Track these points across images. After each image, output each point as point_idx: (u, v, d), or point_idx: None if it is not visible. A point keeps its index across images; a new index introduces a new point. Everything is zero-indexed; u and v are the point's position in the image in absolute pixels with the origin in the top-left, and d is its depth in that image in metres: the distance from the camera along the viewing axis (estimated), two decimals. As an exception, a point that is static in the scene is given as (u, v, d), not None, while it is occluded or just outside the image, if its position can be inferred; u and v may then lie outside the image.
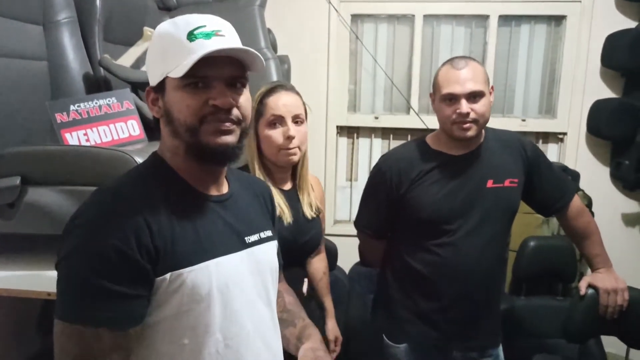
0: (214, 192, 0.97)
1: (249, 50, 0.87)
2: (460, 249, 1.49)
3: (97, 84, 1.70)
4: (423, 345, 1.55)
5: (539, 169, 1.58)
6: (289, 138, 1.37)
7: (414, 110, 2.90)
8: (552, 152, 2.89)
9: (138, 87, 1.64)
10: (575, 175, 2.57)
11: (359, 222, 1.69)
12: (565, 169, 2.53)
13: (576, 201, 1.62)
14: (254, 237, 0.99)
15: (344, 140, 3.07)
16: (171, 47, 0.88)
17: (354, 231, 1.72)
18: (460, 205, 1.49)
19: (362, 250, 1.80)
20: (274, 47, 2.49)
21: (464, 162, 1.51)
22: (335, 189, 3.04)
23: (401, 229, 1.60)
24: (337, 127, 3.00)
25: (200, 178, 0.95)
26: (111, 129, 1.42)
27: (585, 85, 2.75)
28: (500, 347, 1.63)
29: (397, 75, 2.97)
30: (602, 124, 2.66)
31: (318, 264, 1.65)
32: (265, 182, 1.17)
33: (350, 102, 3.01)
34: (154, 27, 0.97)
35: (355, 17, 2.93)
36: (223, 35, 0.89)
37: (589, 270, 1.67)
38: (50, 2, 1.60)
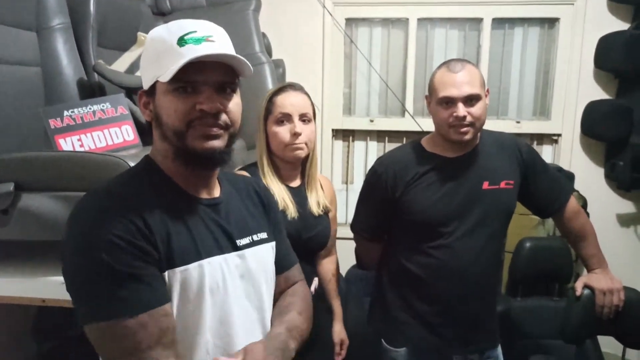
0: (204, 195, 0.98)
1: (235, 56, 0.88)
2: (457, 251, 1.49)
3: (91, 90, 1.70)
4: (422, 349, 1.55)
5: (535, 170, 1.58)
6: (296, 135, 1.41)
7: (409, 113, 2.91)
8: (546, 153, 2.90)
9: (132, 92, 1.64)
10: (570, 176, 2.58)
11: (355, 225, 1.69)
12: (560, 170, 2.53)
13: (572, 202, 1.63)
14: (245, 240, 1.00)
15: (339, 144, 3.07)
16: (162, 51, 0.89)
17: (350, 234, 1.72)
18: (456, 208, 1.49)
19: (358, 253, 1.80)
20: (269, 51, 2.49)
21: (459, 165, 1.51)
22: (331, 193, 3.04)
23: (397, 232, 1.60)
24: (333, 130, 3.00)
25: (191, 181, 0.96)
26: (105, 135, 1.41)
27: (579, 86, 2.77)
28: (499, 348, 1.63)
29: (392, 78, 2.98)
30: (596, 125, 2.68)
31: (328, 266, 1.68)
32: (260, 180, 1.17)
33: (345, 106, 3.02)
34: (148, 33, 0.98)
35: (350, 21, 2.94)
36: (213, 41, 0.89)
37: (584, 271, 1.68)
38: (43, 8, 1.61)
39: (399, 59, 2.96)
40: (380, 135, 3.03)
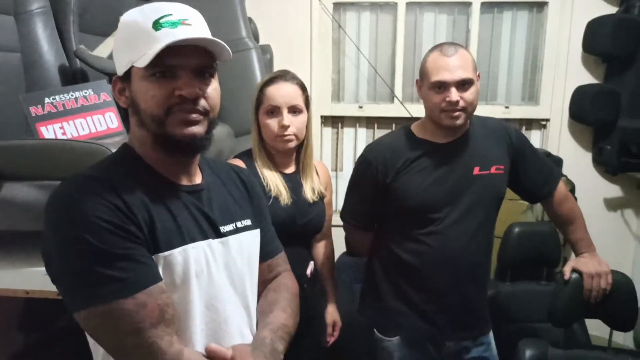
0: (185, 182, 0.96)
1: (214, 40, 0.86)
2: (448, 237, 1.48)
3: (73, 76, 1.66)
4: (415, 337, 1.55)
5: (524, 155, 1.58)
6: (284, 127, 1.43)
7: (398, 99, 2.89)
8: (535, 138, 2.91)
9: (116, 78, 1.61)
10: (558, 162, 2.60)
11: (345, 213, 1.67)
12: (548, 155, 2.54)
13: (561, 187, 1.63)
14: (229, 227, 0.99)
15: (328, 130, 3.05)
16: (137, 35, 0.86)
17: (340, 221, 1.71)
18: (447, 193, 1.49)
19: (348, 240, 1.79)
20: (256, 37, 2.45)
21: (449, 150, 1.50)
22: (321, 180, 3.03)
23: (388, 219, 1.59)
24: (322, 117, 2.98)
25: (171, 168, 0.94)
26: (88, 122, 1.38)
27: (567, 71, 2.77)
28: (491, 334, 1.64)
29: (381, 64, 2.95)
30: (584, 109, 2.68)
31: (322, 249, 1.71)
32: (246, 169, 1.16)
33: (334, 92, 2.99)
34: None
35: (338, 6, 2.90)
36: (190, 24, 0.87)
37: (572, 255, 1.69)
38: (21, -9, 1.56)
39: (388, 44, 2.94)
40: (369, 122, 3.02)
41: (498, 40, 2.90)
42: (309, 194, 1.52)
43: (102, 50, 1.68)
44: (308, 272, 1.54)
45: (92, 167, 0.91)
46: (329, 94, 2.96)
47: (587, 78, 2.75)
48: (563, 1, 2.72)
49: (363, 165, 1.57)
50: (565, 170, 2.64)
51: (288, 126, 1.43)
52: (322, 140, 3.01)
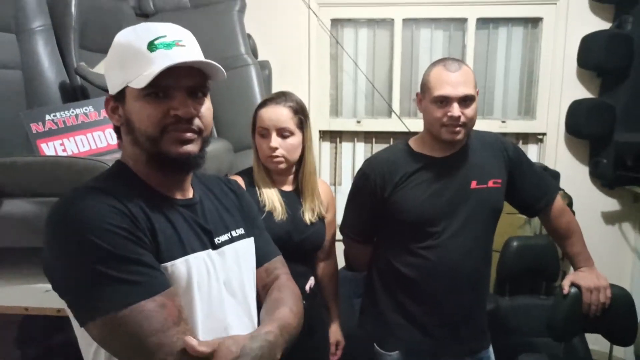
0: (179, 196, 0.97)
1: (210, 62, 0.88)
2: (446, 250, 1.49)
3: (73, 93, 1.67)
4: (415, 351, 1.54)
5: (521, 169, 1.59)
6: (271, 149, 1.47)
7: (395, 113, 2.91)
8: (532, 152, 2.92)
9: (116, 95, 1.62)
10: (555, 175, 2.61)
11: (344, 227, 1.68)
12: (545, 169, 2.56)
13: (558, 201, 1.64)
14: (224, 237, 1.00)
15: (326, 145, 3.06)
16: (131, 56, 0.87)
17: (339, 236, 1.72)
18: (445, 207, 1.49)
19: (347, 254, 1.80)
20: (254, 53, 2.48)
21: (447, 164, 1.51)
22: (319, 194, 3.03)
23: (386, 233, 1.60)
24: (320, 131, 3.00)
25: (164, 184, 0.95)
26: (89, 139, 1.39)
27: (563, 85, 2.80)
28: (491, 349, 1.63)
29: (378, 79, 2.98)
30: (580, 123, 2.71)
31: (326, 269, 1.71)
32: (235, 180, 1.17)
33: (332, 107, 3.01)
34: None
35: (335, 22, 2.93)
36: (184, 45, 0.89)
37: (571, 269, 1.69)
38: (23, 10, 1.58)
39: (385, 59, 2.97)
40: (367, 136, 3.03)
41: (494, 56, 2.93)
42: (307, 215, 1.54)
43: (102, 67, 1.69)
44: (307, 287, 1.54)
45: (90, 181, 0.92)
46: (327, 109, 2.98)
47: (582, 92, 2.78)
48: (557, 17, 2.76)
49: (362, 179, 1.58)
50: (562, 184, 2.65)
51: (276, 148, 1.47)
52: (320, 155, 3.02)
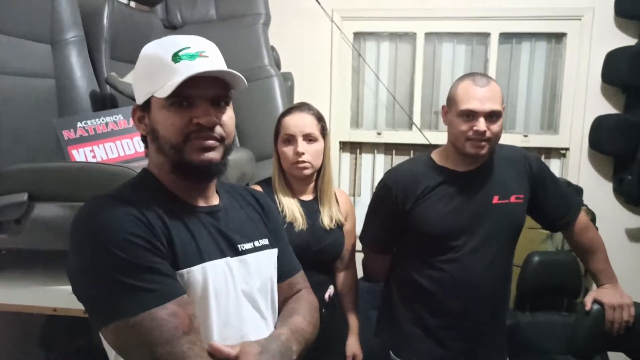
0: (202, 204, 0.99)
1: (231, 71, 0.91)
2: (466, 265, 1.48)
3: (103, 102, 1.72)
4: (431, 361, 1.54)
5: (545, 184, 1.58)
6: (298, 154, 1.49)
7: (416, 126, 2.92)
8: (554, 167, 2.90)
9: (144, 104, 1.66)
10: (578, 191, 2.58)
11: (364, 237, 1.68)
12: (568, 184, 2.53)
13: (582, 216, 1.62)
14: (247, 245, 1.01)
15: (346, 156, 3.08)
16: (157, 67, 0.91)
17: (358, 246, 1.72)
18: (466, 222, 1.49)
19: (366, 265, 1.80)
20: (278, 65, 2.52)
21: (469, 179, 1.51)
22: (338, 205, 3.05)
23: (406, 245, 1.60)
24: (340, 142, 3.02)
25: (188, 192, 0.97)
26: (117, 146, 1.43)
27: (587, 101, 2.77)
28: (507, 363, 1.62)
29: (399, 91, 2.99)
30: (603, 139, 2.67)
31: (345, 279, 1.71)
32: (261, 192, 1.19)
33: (352, 118, 3.03)
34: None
35: (358, 35, 2.97)
36: (207, 56, 0.92)
37: (594, 286, 1.66)
38: (58, 21, 1.63)
39: (407, 72, 2.98)
40: (387, 148, 3.04)
41: (517, 70, 2.92)
42: (326, 221, 1.55)
43: (132, 77, 1.74)
44: (326, 296, 1.55)
45: (112, 189, 0.95)
46: (347, 120, 3.01)
47: (606, 108, 2.75)
48: (582, 32, 2.75)
49: (383, 190, 1.58)
50: (585, 199, 2.61)
51: (303, 153, 1.48)
52: (340, 166, 3.04)
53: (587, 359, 1.66)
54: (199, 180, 0.97)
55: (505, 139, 1.54)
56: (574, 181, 2.72)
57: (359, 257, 1.77)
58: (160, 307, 0.81)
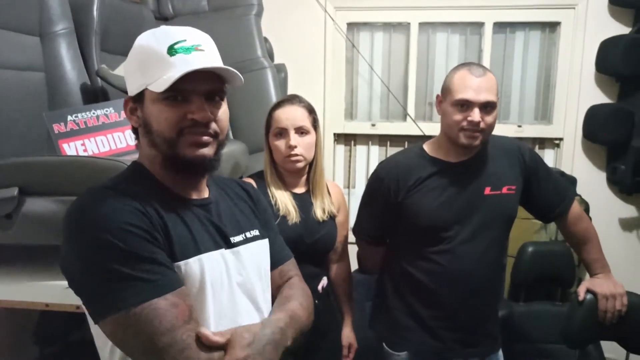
0: (194, 196, 0.99)
1: (228, 68, 0.90)
2: (458, 256, 1.49)
3: (94, 94, 1.70)
4: (423, 353, 1.55)
5: (538, 175, 1.58)
6: (290, 147, 1.48)
7: (410, 117, 2.91)
8: (548, 157, 2.90)
9: (135, 96, 1.65)
10: (572, 181, 2.59)
11: (358, 229, 1.69)
12: (562, 174, 2.53)
13: (575, 206, 1.63)
14: (239, 237, 1.01)
15: (341, 148, 3.07)
16: (151, 59, 0.89)
17: (352, 238, 1.72)
18: (458, 213, 1.49)
19: (360, 256, 1.80)
20: (271, 56, 2.50)
21: (461, 169, 1.51)
22: (333, 197, 3.04)
23: (399, 236, 1.60)
24: (334, 134, 3.01)
25: (180, 184, 0.97)
26: (109, 139, 1.42)
27: (581, 90, 2.77)
28: (500, 352, 1.62)
29: (394, 82, 2.98)
30: (597, 129, 2.68)
31: (339, 271, 1.72)
32: (250, 183, 1.19)
33: (347, 110, 3.02)
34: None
35: (352, 26, 2.95)
36: (203, 50, 0.91)
37: (587, 275, 1.67)
38: (47, 13, 1.61)
39: (401, 63, 2.97)
40: (382, 140, 3.04)
41: (510, 60, 2.92)
42: (318, 213, 1.55)
43: (123, 69, 1.72)
44: (320, 287, 1.56)
45: (106, 181, 0.94)
46: (342, 111, 2.99)
47: (600, 97, 2.75)
48: (576, 21, 2.74)
49: (375, 182, 1.58)
50: (579, 189, 2.62)
51: (295, 146, 1.48)
52: (334, 158, 3.04)
53: (580, 348, 1.68)
54: (191, 175, 0.97)
55: (499, 129, 1.54)
56: (567, 171, 2.73)
57: (353, 249, 1.78)
58: (162, 298, 0.81)
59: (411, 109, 2.93)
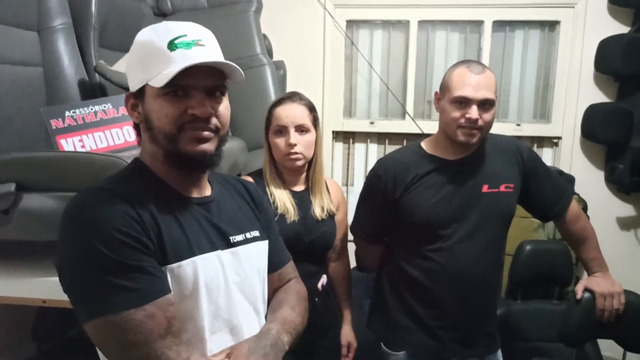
0: (195, 194, 0.98)
1: (229, 63, 0.89)
2: (455, 254, 1.48)
3: (92, 90, 1.70)
4: (421, 352, 1.55)
5: (536, 173, 1.58)
6: (290, 145, 1.47)
7: (409, 115, 2.91)
8: (547, 156, 2.90)
9: (134, 93, 1.64)
10: (570, 180, 2.59)
11: (355, 226, 1.68)
12: (560, 173, 2.54)
13: (574, 205, 1.63)
14: (239, 237, 1.01)
15: (339, 146, 3.07)
16: (152, 55, 0.89)
17: (351, 236, 1.72)
18: (455, 210, 1.49)
19: (358, 254, 1.80)
20: (270, 53, 2.49)
21: (459, 167, 1.51)
22: (332, 194, 3.04)
23: (397, 234, 1.60)
24: (333, 132, 3.00)
25: (181, 182, 0.96)
26: (107, 135, 1.41)
27: (579, 89, 2.77)
28: (499, 352, 1.62)
29: (393, 80, 2.98)
30: (596, 128, 2.68)
31: (338, 269, 1.72)
32: (253, 183, 1.19)
33: (345, 108, 3.02)
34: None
35: (351, 23, 2.94)
36: (203, 45, 0.90)
37: (585, 274, 1.68)
38: (45, 8, 1.60)
39: (400, 61, 2.97)
40: (380, 138, 3.03)
41: (510, 59, 2.91)
42: (317, 212, 1.55)
43: (121, 65, 1.71)
44: (319, 285, 1.55)
45: (104, 180, 0.93)
46: (340, 109, 2.99)
47: (599, 97, 2.75)
48: (575, 20, 2.74)
49: (373, 179, 1.58)
50: (577, 188, 2.62)
51: (295, 144, 1.47)
52: (333, 155, 3.03)
53: (578, 347, 1.68)
54: (192, 171, 0.96)
55: (498, 128, 1.54)
56: (566, 170, 2.73)
57: (352, 247, 1.77)
58: (139, 309, 0.81)
59: (410, 107, 2.93)
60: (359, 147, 3.07)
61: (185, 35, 0.89)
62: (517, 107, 2.95)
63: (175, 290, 0.88)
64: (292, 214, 1.48)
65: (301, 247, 1.46)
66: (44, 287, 1.24)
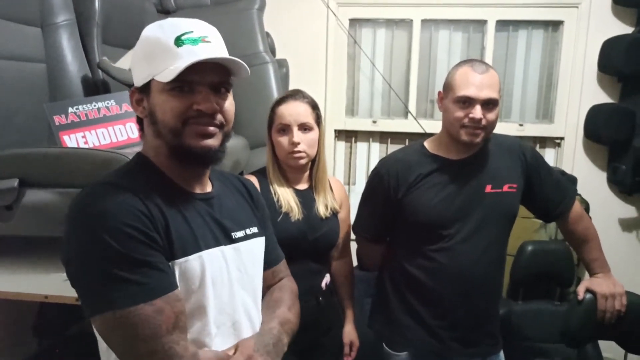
0: (198, 190, 0.99)
1: (235, 59, 0.90)
2: (458, 254, 1.48)
3: (95, 87, 1.70)
4: (424, 353, 1.54)
5: (539, 174, 1.57)
6: (294, 144, 1.47)
7: (411, 114, 2.90)
8: (549, 156, 2.90)
9: (137, 89, 1.65)
10: (572, 180, 2.58)
11: (357, 226, 1.68)
12: (562, 173, 2.53)
13: (576, 206, 1.62)
14: (240, 233, 1.02)
15: (342, 144, 3.07)
16: (158, 50, 0.89)
17: (353, 235, 1.72)
18: (458, 210, 1.48)
19: (360, 254, 1.80)
20: (273, 51, 2.49)
21: (462, 167, 1.51)
22: (333, 193, 3.04)
23: (399, 234, 1.60)
24: (335, 131, 3.00)
25: (184, 177, 0.97)
26: (110, 132, 1.42)
27: (582, 90, 2.77)
28: (502, 354, 1.62)
29: (395, 79, 2.97)
30: (599, 128, 2.67)
31: (340, 267, 1.71)
32: (250, 180, 1.19)
33: (348, 106, 3.02)
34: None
35: (354, 22, 2.94)
36: (209, 42, 0.91)
37: (586, 275, 1.67)
38: (48, 4, 1.61)
39: (403, 60, 2.96)
40: (382, 137, 3.03)
41: (513, 58, 2.91)
42: (321, 210, 1.54)
43: (125, 62, 1.72)
44: (323, 284, 1.55)
45: (110, 175, 0.94)
46: (343, 108, 2.99)
47: (602, 97, 2.75)
48: (579, 20, 2.73)
49: (376, 178, 1.58)
50: (579, 189, 2.62)
51: (298, 143, 1.46)
52: (335, 154, 3.03)
53: (578, 347, 1.68)
54: (196, 166, 0.97)
55: (501, 128, 1.53)
56: (568, 170, 2.72)
57: (355, 246, 1.77)
58: (148, 303, 0.81)
59: (412, 106, 2.93)
60: (361, 146, 3.07)
61: (192, 32, 0.89)
62: (519, 107, 2.94)
63: (183, 286, 0.88)
64: (296, 212, 1.48)
65: (305, 245, 1.46)
66: (46, 283, 1.24)
